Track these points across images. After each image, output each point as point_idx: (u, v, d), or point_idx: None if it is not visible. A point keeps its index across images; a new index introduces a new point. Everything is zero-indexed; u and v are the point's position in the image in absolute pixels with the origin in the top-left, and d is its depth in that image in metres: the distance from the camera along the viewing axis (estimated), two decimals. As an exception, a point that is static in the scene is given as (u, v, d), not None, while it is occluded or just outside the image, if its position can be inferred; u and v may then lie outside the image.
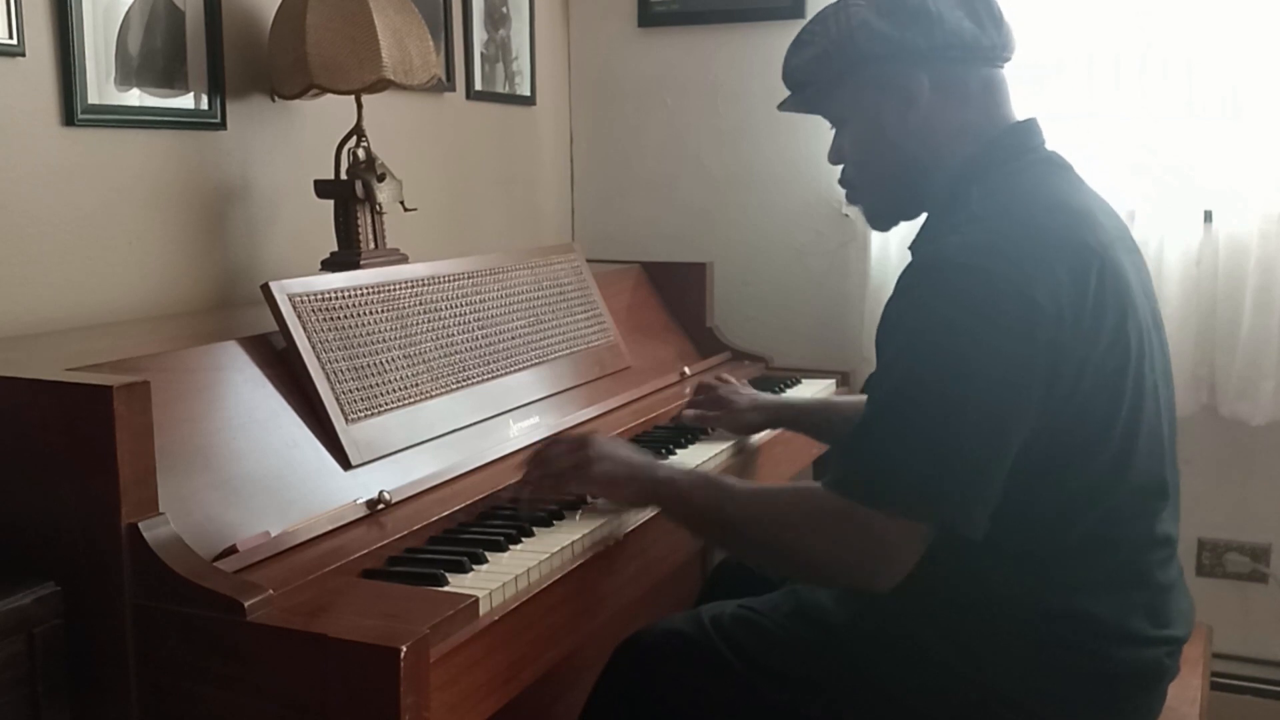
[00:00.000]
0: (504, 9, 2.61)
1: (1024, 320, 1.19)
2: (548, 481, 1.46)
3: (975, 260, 1.22)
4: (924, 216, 1.45)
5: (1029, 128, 1.40)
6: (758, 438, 1.93)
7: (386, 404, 1.54)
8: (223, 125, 1.87)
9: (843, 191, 1.49)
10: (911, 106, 1.37)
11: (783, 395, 1.97)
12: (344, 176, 1.89)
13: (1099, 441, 1.26)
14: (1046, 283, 1.20)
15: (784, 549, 1.31)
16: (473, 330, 1.79)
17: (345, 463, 1.44)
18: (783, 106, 1.52)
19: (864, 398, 1.35)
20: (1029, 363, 1.20)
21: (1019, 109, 1.42)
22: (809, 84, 1.45)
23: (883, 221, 1.52)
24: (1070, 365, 1.22)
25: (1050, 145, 1.42)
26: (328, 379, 1.47)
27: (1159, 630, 1.32)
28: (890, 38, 1.35)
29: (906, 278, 1.29)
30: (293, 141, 2.01)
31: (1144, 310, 1.32)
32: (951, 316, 1.21)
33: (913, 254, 1.39)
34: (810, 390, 2.33)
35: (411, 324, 1.66)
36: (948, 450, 1.20)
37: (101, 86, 1.67)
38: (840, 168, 1.49)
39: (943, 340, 1.21)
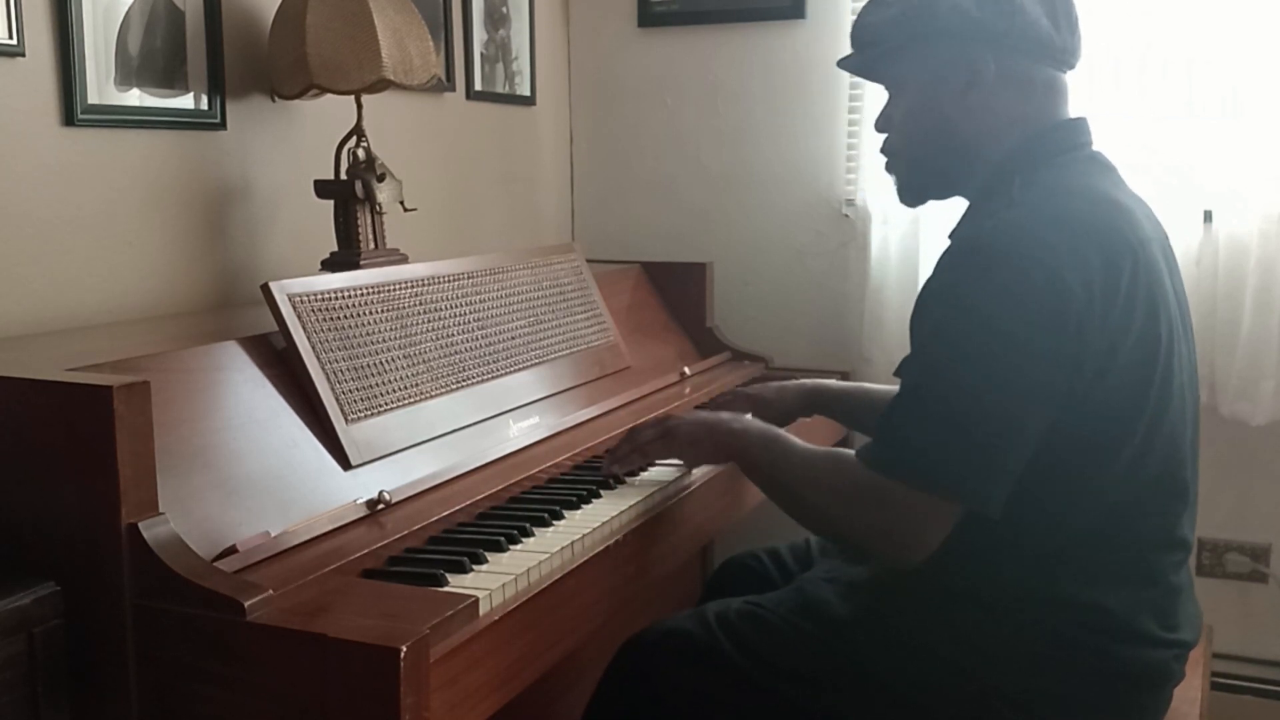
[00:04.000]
0: (504, 9, 2.61)
1: (1053, 303, 1.21)
2: (635, 455, 1.60)
3: (1007, 243, 1.25)
4: (960, 202, 1.45)
5: (1078, 126, 1.41)
6: None
7: (386, 404, 1.54)
8: (223, 125, 1.87)
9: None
10: (973, 87, 1.38)
11: (815, 380, 1.95)
12: (344, 176, 1.89)
13: (1121, 435, 1.27)
14: (1078, 267, 1.22)
15: (823, 515, 1.38)
16: (473, 330, 1.79)
17: (345, 463, 1.44)
18: (842, 62, 1.52)
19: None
20: (1056, 345, 1.22)
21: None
22: (876, 43, 1.44)
23: (913, 195, 1.52)
24: (1097, 353, 1.23)
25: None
26: (328, 379, 1.47)
27: (1167, 633, 1.32)
28: (970, 15, 1.36)
29: (943, 259, 1.31)
30: (293, 141, 2.01)
31: (1174, 306, 1.33)
32: (981, 298, 1.24)
33: (951, 241, 1.40)
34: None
35: (411, 324, 1.66)
36: (972, 430, 1.23)
37: (101, 86, 1.67)
38: (884, 136, 1.49)
39: (972, 321, 1.24)
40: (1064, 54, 1.39)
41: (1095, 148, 1.43)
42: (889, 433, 1.30)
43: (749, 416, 1.57)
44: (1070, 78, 1.44)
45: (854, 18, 1.49)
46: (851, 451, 1.34)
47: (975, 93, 1.38)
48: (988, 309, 1.23)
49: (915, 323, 1.33)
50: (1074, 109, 1.44)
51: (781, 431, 1.46)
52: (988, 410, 1.23)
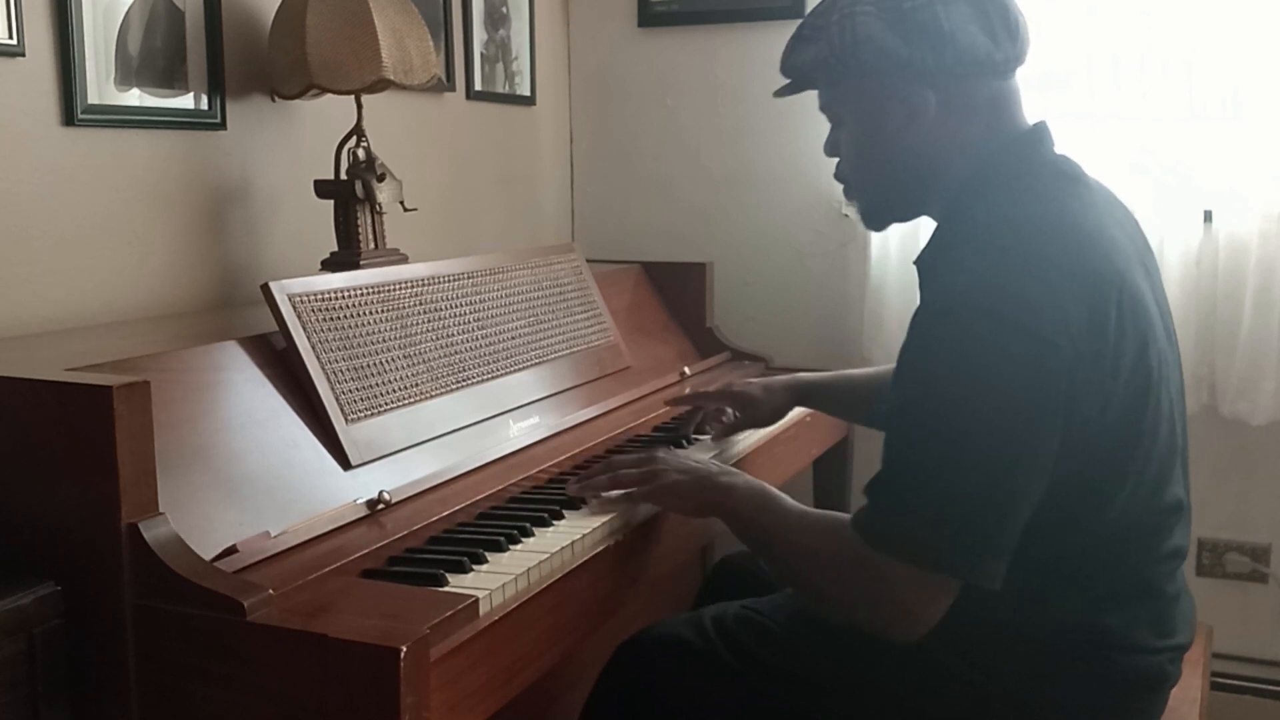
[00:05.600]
0: (504, 9, 2.61)
1: (1036, 363, 1.16)
2: (615, 487, 1.48)
3: (985, 303, 1.18)
4: (925, 222, 1.43)
5: (1036, 135, 1.35)
6: (749, 442, 1.90)
7: (386, 404, 1.54)
8: (223, 125, 1.87)
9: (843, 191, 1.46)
10: (913, 121, 1.32)
11: (795, 375, 1.92)
12: (344, 176, 1.89)
13: (1118, 469, 1.24)
14: (1061, 321, 1.17)
15: (813, 585, 1.34)
16: (473, 330, 1.79)
17: (345, 463, 1.44)
18: (779, 93, 1.47)
19: (881, 369, 1.32)
20: (1044, 407, 1.17)
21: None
22: (806, 80, 1.41)
23: (876, 222, 1.49)
24: (1092, 400, 1.19)
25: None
26: (328, 379, 1.47)
27: (1164, 640, 1.32)
28: (897, 54, 1.28)
29: (919, 321, 1.26)
30: (293, 141, 2.01)
31: (1160, 330, 1.28)
32: (962, 363, 1.18)
33: (918, 269, 1.38)
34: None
35: (411, 324, 1.66)
36: (964, 504, 1.18)
37: (101, 86, 1.67)
38: (835, 161, 1.45)
39: (955, 388, 1.19)
40: (1007, 64, 1.32)
41: (1061, 151, 1.36)
42: (882, 505, 1.24)
43: (736, 469, 1.49)
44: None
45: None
46: (847, 517, 1.29)
47: (917, 126, 1.32)
48: (969, 371, 1.17)
49: (897, 380, 1.28)
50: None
51: (770, 489, 1.41)
52: (979, 481, 1.18)
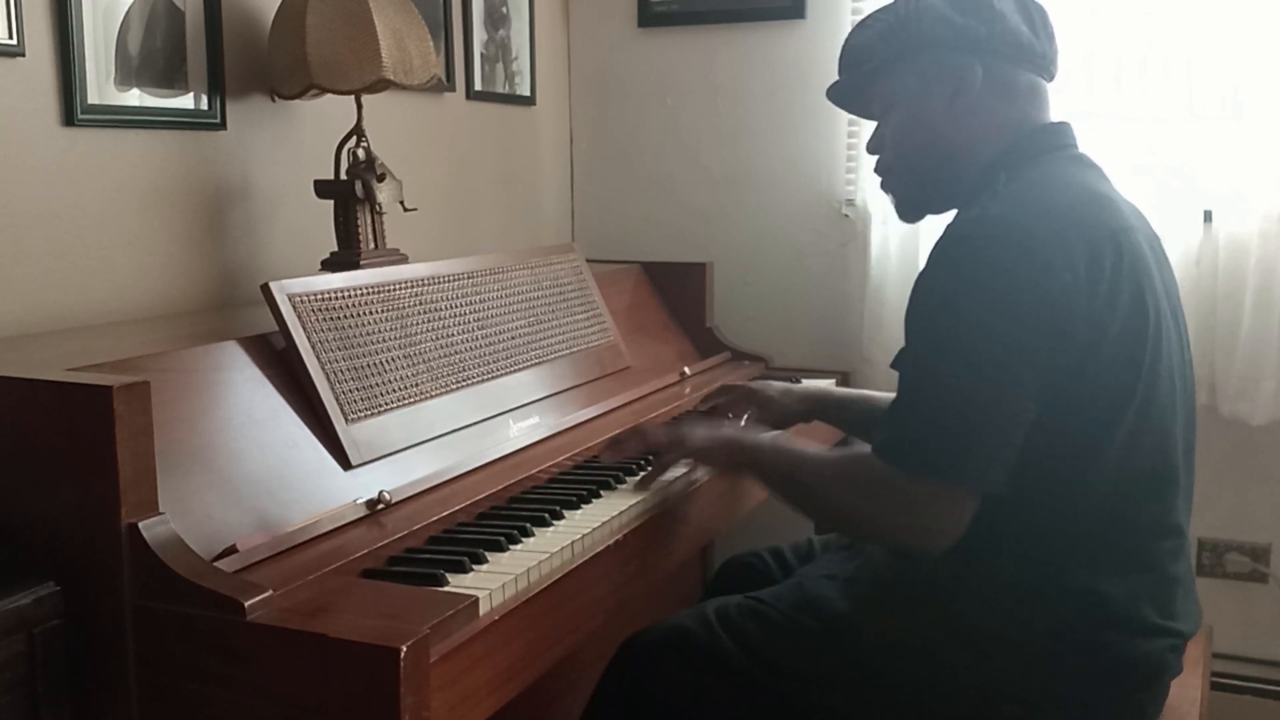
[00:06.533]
0: (504, 9, 2.61)
1: (1037, 288, 1.24)
2: (646, 450, 1.62)
3: (990, 233, 1.28)
4: (931, 223, 1.47)
5: (1062, 129, 1.45)
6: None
7: (386, 404, 1.54)
8: (223, 125, 1.87)
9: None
10: (959, 94, 1.41)
11: (816, 386, 1.96)
12: (344, 176, 1.89)
13: (1113, 419, 1.28)
14: (1061, 251, 1.25)
15: (842, 514, 1.41)
16: (473, 330, 1.79)
17: (345, 463, 1.44)
18: (831, 91, 1.56)
19: None
20: (1042, 328, 1.24)
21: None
22: (865, 62, 1.48)
23: (911, 211, 1.55)
24: (1084, 333, 1.25)
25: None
26: (328, 379, 1.47)
27: (1164, 620, 1.33)
28: (953, 23, 1.40)
29: (931, 253, 1.34)
30: (293, 141, 2.01)
31: (1163, 299, 1.34)
32: (966, 292, 1.27)
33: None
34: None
35: (411, 324, 1.66)
36: (973, 416, 1.26)
37: (101, 86, 1.67)
38: (877, 157, 1.52)
39: (959, 316, 1.27)
40: (1044, 60, 1.43)
41: (1082, 150, 1.45)
42: (896, 426, 1.32)
43: (759, 428, 1.60)
44: (1052, 88, 1.47)
45: (853, 19, 1.51)
46: (867, 448, 1.36)
47: (962, 99, 1.41)
48: (973, 302, 1.26)
49: (909, 315, 1.35)
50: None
51: (791, 439, 1.50)
52: (982, 400, 1.25)
